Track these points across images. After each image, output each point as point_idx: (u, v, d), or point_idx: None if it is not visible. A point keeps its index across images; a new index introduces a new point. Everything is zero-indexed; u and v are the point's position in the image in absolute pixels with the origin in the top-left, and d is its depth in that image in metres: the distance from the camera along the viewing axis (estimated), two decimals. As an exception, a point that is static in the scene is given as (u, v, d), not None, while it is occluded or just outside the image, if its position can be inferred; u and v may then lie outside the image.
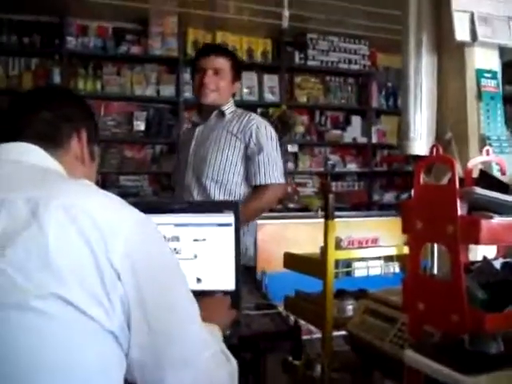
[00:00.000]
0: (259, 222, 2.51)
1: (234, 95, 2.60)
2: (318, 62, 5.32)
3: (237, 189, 2.40)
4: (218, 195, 2.38)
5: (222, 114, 2.48)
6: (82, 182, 0.92)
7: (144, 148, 5.03)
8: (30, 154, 0.98)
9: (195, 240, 1.53)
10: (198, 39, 4.96)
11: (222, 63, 2.43)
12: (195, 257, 1.53)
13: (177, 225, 1.53)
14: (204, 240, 1.54)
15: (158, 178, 5.04)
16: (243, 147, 2.39)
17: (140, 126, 4.91)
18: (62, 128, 1.04)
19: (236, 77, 2.50)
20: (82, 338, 0.78)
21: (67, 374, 0.77)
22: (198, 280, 1.53)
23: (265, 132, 2.42)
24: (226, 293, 1.45)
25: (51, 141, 1.02)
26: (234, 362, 1.01)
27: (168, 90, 4.91)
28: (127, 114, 4.92)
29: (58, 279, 0.76)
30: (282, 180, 2.44)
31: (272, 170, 2.39)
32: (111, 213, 0.85)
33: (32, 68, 4.65)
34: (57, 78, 4.58)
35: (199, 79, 2.42)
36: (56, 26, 4.64)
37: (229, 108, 2.49)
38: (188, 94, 4.91)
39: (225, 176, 2.38)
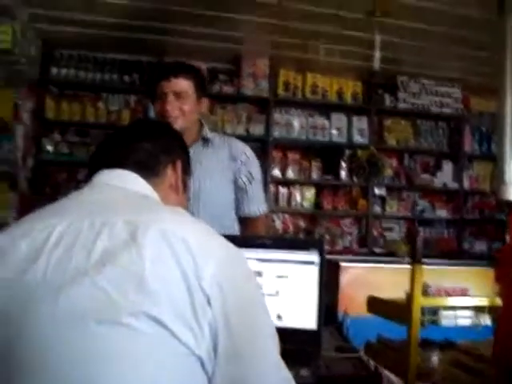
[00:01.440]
0: (343, 264, 2.47)
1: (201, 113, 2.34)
2: (408, 104, 5.25)
3: (233, 223, 2.29)
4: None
5: (206, 141, 2.28)
6: (177, 210, 0.97)
7: (232, 185, 5.09)
8: (130, 181, 1.05)
9: (278, 276, 1.53)
10: (288, 80, 5.05)
11: (184, 85, 2.16)
12: (277, 293, 1.53)
13: (260, 260, 1.54)
14: (287, 277, 1.53)
15: (243, 215, 5.09)
16: (233, 176, 2.26)
17: (229, 164, 5.00)
18: (160, 158, 1.11)
19: (201, 95, 2.23)
20: (171, 359, 0.80)
21: None
22: (279, 317, 1.52)
23: (252, 157, 2.32)
24: (306, 332, 1.43)
25: (150, 170, 1.09)
26: None
27: (258, 129, 5.01)
28: (218, 152, 5.03)
29: (151, 300, 0.79)
30: (266, 210, 2.38)
31: (262, 201, 2.33)
32: (203, 240, 0.88)
33: (131, 105, 4.90)
34: (152, 115, 4.78)
35: (160, 106, 2.15)
36: (154, 66, 4.89)
37: (208, 133, 2.29)
38: (277, 133, 4.99)
39: (220, 210, 2.23)
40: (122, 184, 1.03)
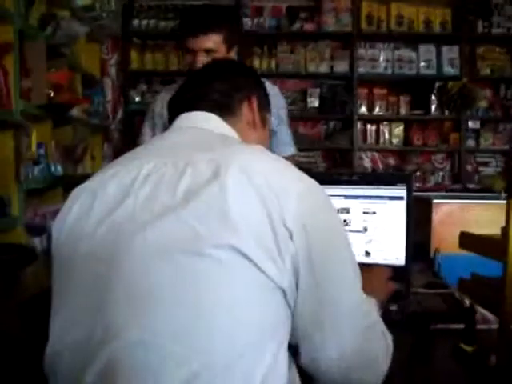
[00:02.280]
0: (435, 201, 2.39)
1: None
2: (503, 29, 4.87)
3: None
4: None
5: None
6: (257, 147, 0.98)
7: (318, 124, 5.06)
8: (208, 121, 1.07)
9: (365, 212, 1.51)
10: (372, 13, 4.84)
11: (214, 41, 2.07)
12: (365, 230, 1.51)
13: (347, 197, 1.52)
14: (374, 213, 1.50)
15: (331, 154, 5.06)
16: None
17: (314, 102, 4.95)
18: (234, 96, 1.11)
19: (232, 44, 2.15)
20: (256, 290, 0.82)
21: (242, 325, 0.80)
22: (367, 253, 1.50)
23: (280, 97, 2.32)
24: (395, 268, 1.41)
25: (225, 109, 1.10)
26: (390, 339, 0.98)
27: (342, 66, 4.87)
28: (301, 91, 4.99)
29: (234, 232, 0.81)
30: (295, 151, 2.40)
31: (291, 143, 2.31)
32: (284, 175, 0.89)
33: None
34: (234, 58, 4.78)
35: (190, 61, 2.10)
36: (233, 9, 4.83)
37: None
38: (362, 69, 4.84)
39: None
40: (200, 125, 1.06)
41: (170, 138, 1.05)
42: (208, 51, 2.06)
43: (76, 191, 0.98)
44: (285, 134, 2.33)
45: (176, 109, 1.12)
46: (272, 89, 2.25)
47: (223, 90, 1.11)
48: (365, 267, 1.24)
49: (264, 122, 1.17)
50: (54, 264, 0.96)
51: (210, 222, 0.82)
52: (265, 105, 1.18)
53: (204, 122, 1.06)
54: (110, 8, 4.07)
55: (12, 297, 1.51)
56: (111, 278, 0.84)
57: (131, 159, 0.99)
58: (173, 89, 2.21)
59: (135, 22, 4.76)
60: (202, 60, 2.03)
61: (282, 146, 2.29)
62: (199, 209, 0.83)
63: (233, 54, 2.24)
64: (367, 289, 0.97)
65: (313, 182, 0.92)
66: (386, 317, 1.04)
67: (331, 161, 5.04)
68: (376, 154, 5.08)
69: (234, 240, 0.81)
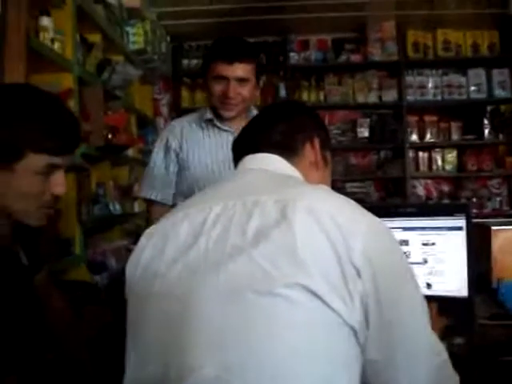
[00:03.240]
0: (494, 227, 2.34)
1: None
2: (554, 48, 4.79)
3: None
4: None
5: None
6: (321, 187, 1.00)
7: (368, 154, 5.06)
8: (273, 162, 1.10)
9: (424, 244, 1.49)
10: (417, 40, 4.87)
11: (247, 70, 2.03)
12: (425, 261, 1.49)
13: (405, 228, 1.51)
14: (434, 244, 1.49)
15: (383, 184, 5.04)
16: None
17: (363, 132, 4.97)
18: (296, 138, 1.14)
19: (259, 78, 2.14)
20: (326, 328, 0.82)
21: (313, 362, 0.81)
22: (428, 285, 1.48)
23: None
24: (458, 300, 1.39)
25: (288, 150, 1.12)
26: (457, 376, 0.96)
27: (390, 95, 4.89)
28: (350, 122, 5.01)
29: (303, 271, 0.83)
30: None
31: None
32: (349, 214, 0.90)
33: (260, 84, 4.99)
34: (282, 92, 4.88)
35: (221, 89, 2.04)
36: (280, 44, 4.94)
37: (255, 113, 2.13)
38: (411, 96, 4.83)
39: None
40: (265, 166, 1.09)
41: (237, 180, 1.09)
42: (241, 80, 2.04)
43: (148, 232, 1.03)
44: None
45: (240, 150, 1.17)
46: None
47: (286, 132, 1.14)
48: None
49: (326, 161, 1.20)
50: (129, 302, 1.00)
51: (280, 262, 0.84)
52: (326, 144, 1.20)
53: (268, 164, 1.10)
54: (161, 50, 4.23)
55: (80, 332, 1.55)
56: (185, 316, 0.87)
57: (200, 201, 1.03)
58: (184, 120, 2.21)
59: (185, 62, 4.93)
60: (235, 89, 2.03)
61: None
62: (269, 249, 0.85)
63: (257, 93, 2.20)
64: None
65: (377, 220, 0.93)
66: (453, 350, 1.02)
67: (384, 190, 5.01)
68: (429, 182, 5.02)
69: (304, 279, 0.82)
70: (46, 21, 2.32)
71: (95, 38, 3.05)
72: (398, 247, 0.96)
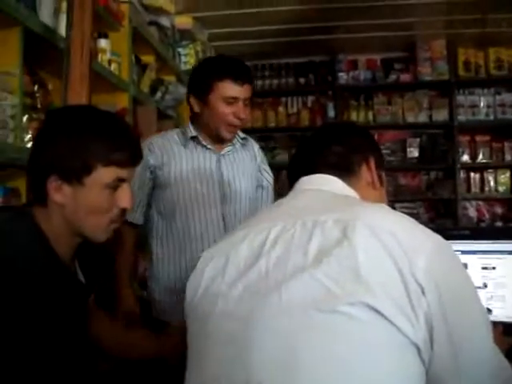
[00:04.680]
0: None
1: None
2: None
3: None
4: None
5: (244, 140, 2.19)
6: (380, 205, 1.00)
7: (418, 175, 4.98)
8: (329, 183, 1.11)
9: (484, 268, 1.45)
10: (469, 59, 4.78)
11: (251, 91, 2.04)
12: (485, 286, 1.45)
13: (464, 252, 1.47)
14: (494, 268, 1.44)
15: (433, 205, 4.94)
16: (256, 174, 2.19)
17: (413, 152, 4.91)
18: (352, 158, 1.15)
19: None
20: (390, 345, 0.82)
21: (373, 379, 0.80)
22: (488, 311, 1.44)
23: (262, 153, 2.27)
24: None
25: (345, 170, 1.14)
26: None
27: (441, 115, 4.82)
28: (400, 142, 4.96)
29: (366, 289, 0.83)
30: None
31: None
32: (411, 232, 0.90)
33: (308, 105, 5.03)
34: (331, 112, 4.87)
35: (231, 111, 1.99)
36: (328, 64, 4.96)
37: (241, 133, 2.17)
38: (462, 116, 4.75)
39: (246, 210, 2.11)
40: (322, 187, 1.10)
41: (294, 201, 1.10)
42: (246, 100, 2.02)
43: (208, 254, 1.04)
44: (271, 191, 2.27)
45: (296, 171, 1.17)
46: (255, 143, 2.27)
47: (342, 153, 1.15)
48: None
49: (381, 180, 1.20)
50: (190, 323, 1.01)
51: (343, 281, 0.84)
52: (381, 164, 1.20)
53: (325, 184, 1.11)
54: (211, 70, 4.28)
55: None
56: (248, 336, 0.87)
57: (259, 222, 1.03)
58: (164, 137, 2.12)
59: (235, 81, 4.97)
60: (245, 110, 2.01)
61: (270, 203, 2.23)
62: (331, 268, 0.86)
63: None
64: None
65: (439, 237, 0.92)
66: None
67: (434, 211, 4.91)
68: (481, 204, 4.90)
69: (367, 297, 0.82)
70: (103, 43, 2.40)
71: (149, 58, 3.14)
72: (461, 266, 0.95)
